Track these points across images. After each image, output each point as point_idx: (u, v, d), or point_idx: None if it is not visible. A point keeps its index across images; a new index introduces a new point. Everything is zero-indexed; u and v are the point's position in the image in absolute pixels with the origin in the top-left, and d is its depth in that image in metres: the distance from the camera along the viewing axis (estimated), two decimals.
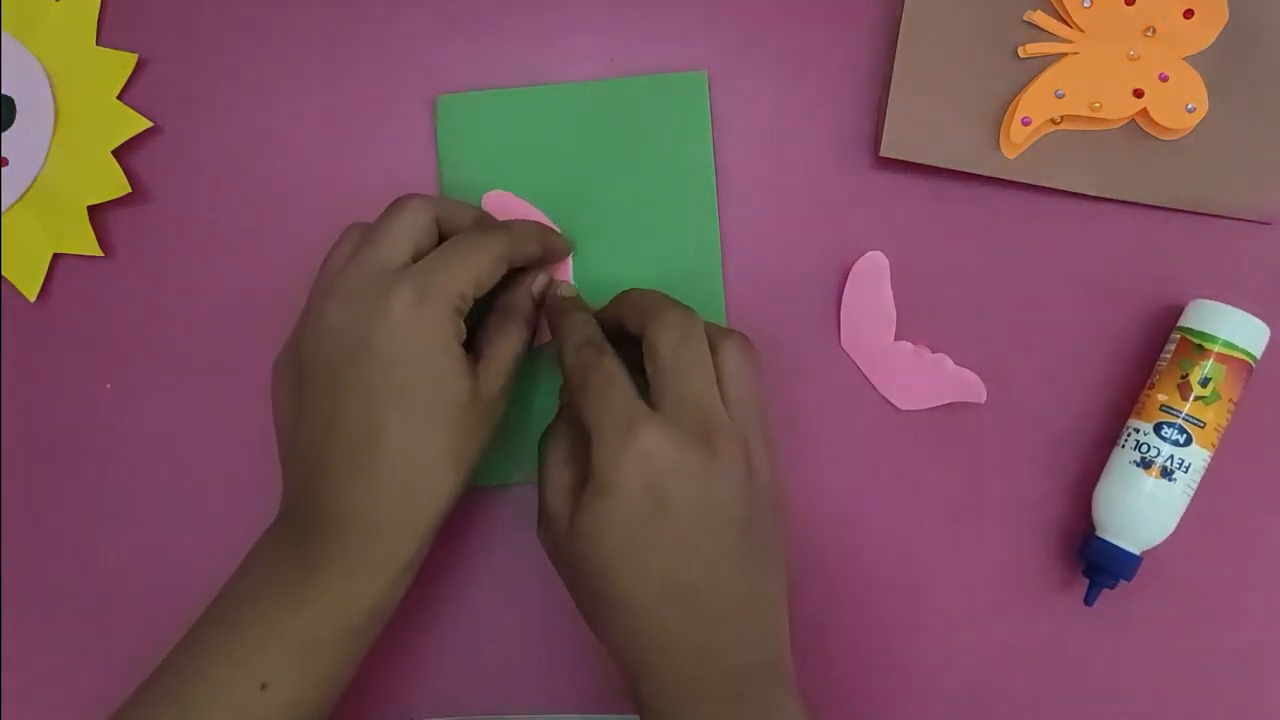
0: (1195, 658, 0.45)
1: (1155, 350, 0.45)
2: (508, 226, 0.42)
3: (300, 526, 0.39)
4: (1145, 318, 0.46)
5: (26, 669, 0.47)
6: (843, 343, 0.46)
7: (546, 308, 0.43)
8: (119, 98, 0.46)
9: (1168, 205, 0.45)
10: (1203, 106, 0.44)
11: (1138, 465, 0.42)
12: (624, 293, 0.42)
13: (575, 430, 0.39)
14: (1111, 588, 0.43)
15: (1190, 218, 0.46)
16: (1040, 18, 0.45)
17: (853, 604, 0.46)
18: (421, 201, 0.40)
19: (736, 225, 0.46)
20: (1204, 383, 0.42)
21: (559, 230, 0.45)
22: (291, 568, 0.38)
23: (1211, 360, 0.42)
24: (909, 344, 0.45)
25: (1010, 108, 0.44)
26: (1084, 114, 0.44)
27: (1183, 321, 0.44)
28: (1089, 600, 0.44)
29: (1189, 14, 0.44)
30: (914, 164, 0.45)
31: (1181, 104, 0.44)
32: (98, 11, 0.46)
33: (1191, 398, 0.42)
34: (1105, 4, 0.44)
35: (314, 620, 0.37)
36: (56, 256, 0.47)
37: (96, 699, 0.48)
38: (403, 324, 0.37)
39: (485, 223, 0.42)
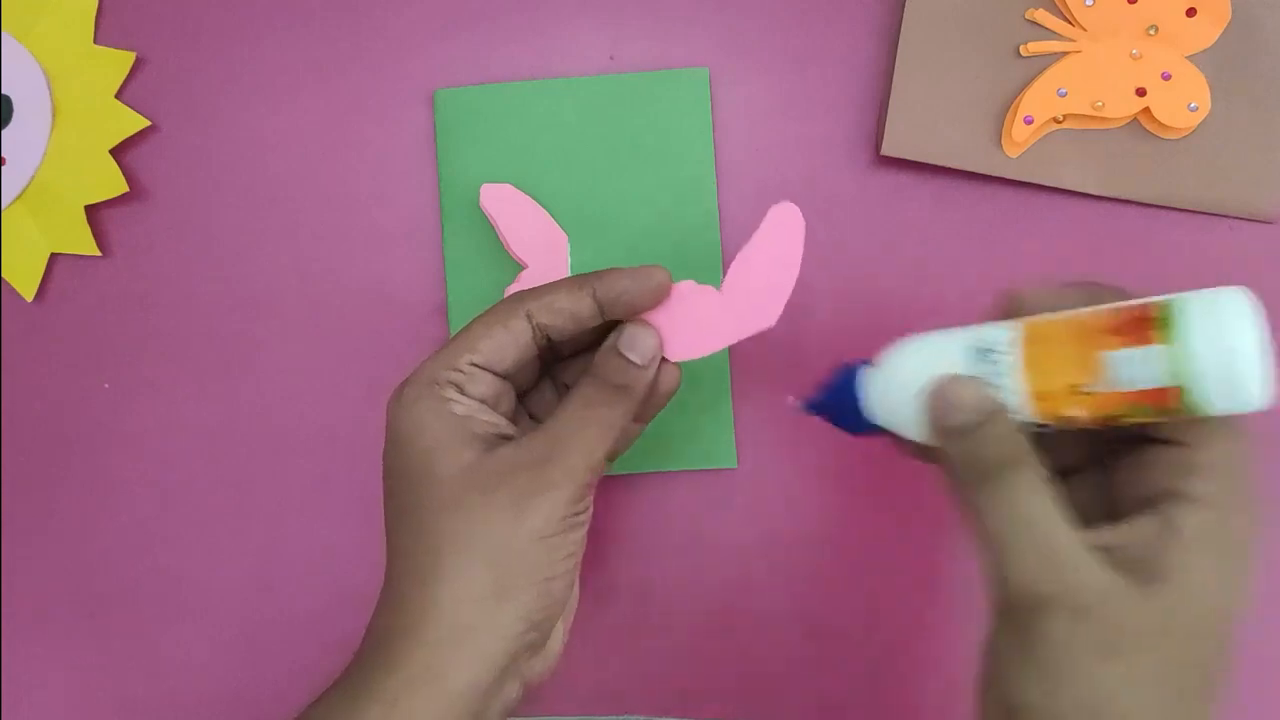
0: None
1: None
2: (552, 284, 0.35)
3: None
4: None
5: (27, 669, 0.47)
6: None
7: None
8: (117, 96, 0.46)
9: (1169, 205, 0.45)
10: (1205, 105, 0.44)
11: None
12: None
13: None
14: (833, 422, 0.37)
15: (1191, 217, 0.45)
16: (1042, 16, 0.44)
17: (851, 604, 0.46)
18: (507, 308, 0.34)
19: (736, 223, 0.46)
20: None
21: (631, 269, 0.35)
22: None
23: None
24: None
25: (1012, 106, 0.44)
26: (1086, 113, 0.44)
27: None
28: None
29: (1191, 12, 0.44)
30: (915, 163, 0.45)
31: (1184, 103, 0.44)
32: (95, 10, 0.46)
33: None
34: (1108, 2, 0.44)
35: None
36: (54, 256, 0.47)
37: (95, 699, 0.48)
38: (399, 427, 0.33)
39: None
